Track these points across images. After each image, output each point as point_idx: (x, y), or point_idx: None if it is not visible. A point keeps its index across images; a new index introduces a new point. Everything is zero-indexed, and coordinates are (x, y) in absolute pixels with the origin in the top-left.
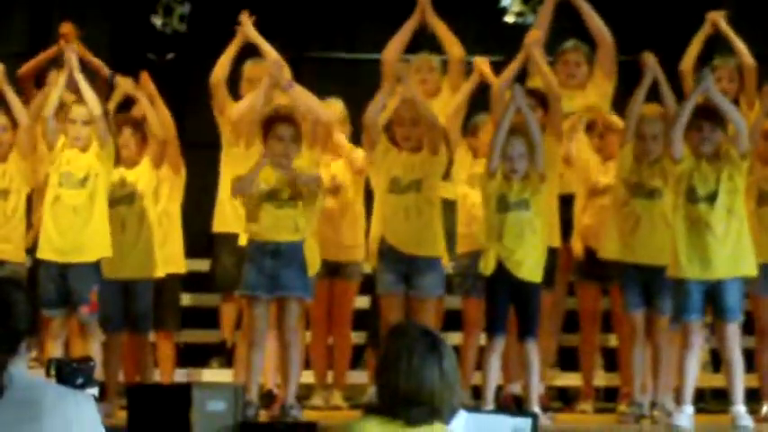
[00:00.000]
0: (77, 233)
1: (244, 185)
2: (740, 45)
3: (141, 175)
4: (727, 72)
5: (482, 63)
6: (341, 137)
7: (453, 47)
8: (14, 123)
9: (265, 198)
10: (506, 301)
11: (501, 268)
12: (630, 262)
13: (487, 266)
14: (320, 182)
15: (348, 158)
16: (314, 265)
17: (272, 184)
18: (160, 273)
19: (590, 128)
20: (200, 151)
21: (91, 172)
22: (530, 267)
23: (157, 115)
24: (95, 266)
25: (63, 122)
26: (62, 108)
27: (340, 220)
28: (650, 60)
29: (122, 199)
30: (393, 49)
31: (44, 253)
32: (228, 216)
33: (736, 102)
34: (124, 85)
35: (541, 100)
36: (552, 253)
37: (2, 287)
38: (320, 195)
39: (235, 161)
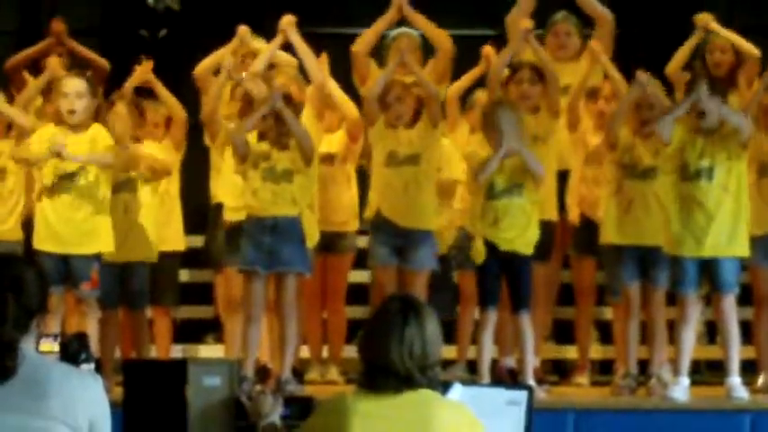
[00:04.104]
0: (76, 227)
1: (241, 130)
2: (738, 40)
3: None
4: (719, 44)
5: (491, 52)
6: (333, 87)
7: (442, 41)
8: (12, 99)
9: (262, 174)
10: (497, 273)
11: (491, 243)
12: (625, 245)
13: (479, 255)
14: (312, 145)
15: (344, 107)
16: (312, 237)
17: (266, 157)
18: (156, 254)
19: (592, 95)
20: (192, 129)
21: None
22: (520, 241)
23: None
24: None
25: (53, 101)
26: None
27: (333, 191)
28: (642, 78)
29: (125, 184)
30: (364, 43)
31: (42, 243)
32: (222, 188)
33: (730, 75)
34: (144, 70)
35: (541, 75)
36: (548, 226)
37: (15, 265)
38: (314, 161)
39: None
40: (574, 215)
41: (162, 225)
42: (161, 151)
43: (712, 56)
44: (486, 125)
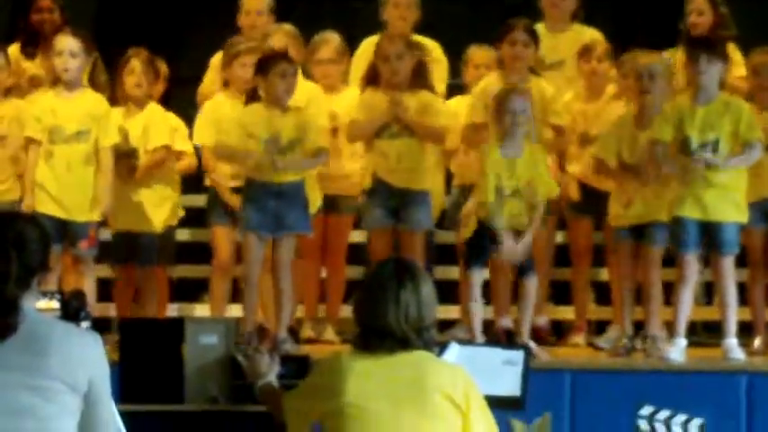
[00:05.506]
0: (75, 193)
1: (229, 159)
2: None
3: (149, 123)
4: (696, 6)
5: None
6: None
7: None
8: (9, 62)
9: (264, 145)
10: (483, 232)
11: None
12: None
13: (468, 231)
14: (324, 153)
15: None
16: (314, 203)
17: (272, 132)
18: (160, 226)
19: (585, 53)
20: (194, 87)
21: (85, 122)
22: (516, 221)
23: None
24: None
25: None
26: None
27: (336, 164)
28: None
29: (127, 154)
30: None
31: (42, 206)
32: None
33: (718, 41)
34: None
35: (535, 36)
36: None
37: (17, 223)
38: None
39: None
40: (573, 191)
41: (163, 198)
42: (148, 117)
43: (689, 17)
44: (498, 111)
